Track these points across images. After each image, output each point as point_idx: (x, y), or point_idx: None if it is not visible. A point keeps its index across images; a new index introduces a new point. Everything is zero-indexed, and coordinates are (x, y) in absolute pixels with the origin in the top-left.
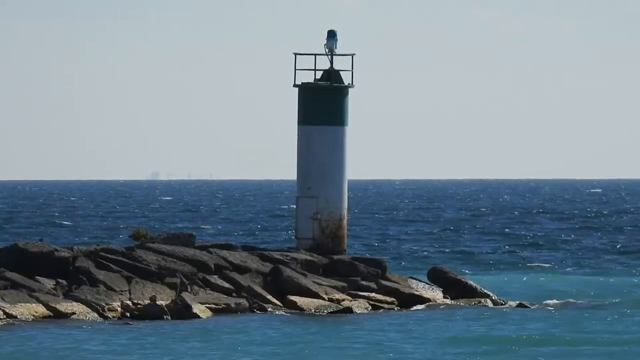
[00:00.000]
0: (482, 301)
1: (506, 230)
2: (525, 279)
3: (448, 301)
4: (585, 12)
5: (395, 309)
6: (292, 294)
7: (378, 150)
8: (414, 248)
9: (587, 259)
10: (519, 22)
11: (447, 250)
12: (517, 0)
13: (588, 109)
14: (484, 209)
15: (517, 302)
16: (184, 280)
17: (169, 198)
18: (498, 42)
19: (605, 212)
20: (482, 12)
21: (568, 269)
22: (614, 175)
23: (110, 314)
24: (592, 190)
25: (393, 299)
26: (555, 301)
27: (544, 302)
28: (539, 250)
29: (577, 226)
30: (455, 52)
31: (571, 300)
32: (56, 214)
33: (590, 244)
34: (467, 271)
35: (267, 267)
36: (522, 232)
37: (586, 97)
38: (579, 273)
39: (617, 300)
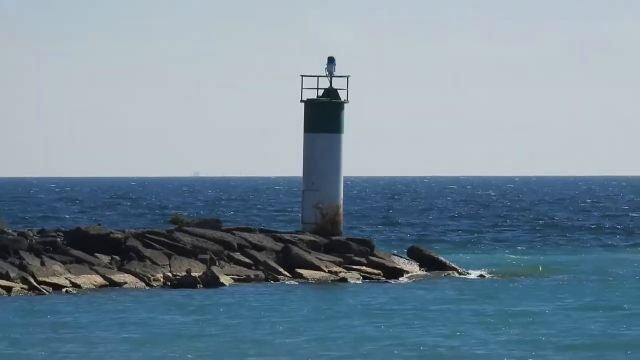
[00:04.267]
0: (450, 273)
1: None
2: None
3: (423, 273)
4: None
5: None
6: (300, 268)
7: (369, 153)
8: None
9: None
10: (513, 49)
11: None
12: (508, 28)
13: (586, 108)
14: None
15: (478, 273)
16: (213, 256)
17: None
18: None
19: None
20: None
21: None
22: (609, 173)
23: (154, 283)
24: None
25: (380, 272)
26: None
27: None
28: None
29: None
30: (436, 78)
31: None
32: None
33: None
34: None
35: (279, 246)
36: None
37: (584, 98)
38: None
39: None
